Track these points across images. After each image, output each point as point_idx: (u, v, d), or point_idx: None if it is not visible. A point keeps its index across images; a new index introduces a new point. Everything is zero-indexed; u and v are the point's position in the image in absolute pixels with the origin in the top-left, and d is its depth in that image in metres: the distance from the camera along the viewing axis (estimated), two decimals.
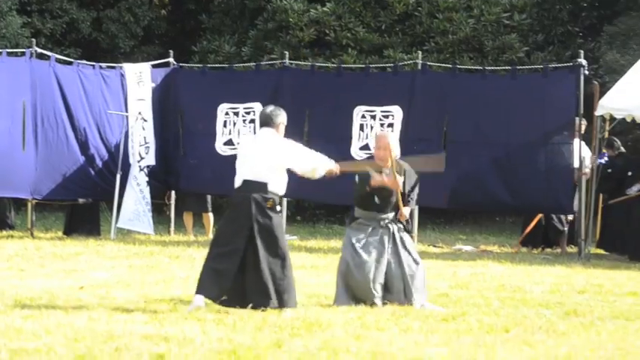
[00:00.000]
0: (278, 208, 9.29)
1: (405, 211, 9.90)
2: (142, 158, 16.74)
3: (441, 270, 12.99)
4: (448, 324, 8.77)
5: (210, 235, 17.04)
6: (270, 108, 9.55)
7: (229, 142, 17.01)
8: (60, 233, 16.98)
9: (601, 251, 15.80)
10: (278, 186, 9.27)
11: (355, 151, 16.09)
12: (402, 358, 7.20)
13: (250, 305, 9.02)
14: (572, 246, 16.02)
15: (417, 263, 9.82)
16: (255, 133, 16.87)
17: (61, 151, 16.46)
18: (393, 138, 10.25)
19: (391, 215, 9.89)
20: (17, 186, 16.05)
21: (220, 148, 16.96)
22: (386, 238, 9.79)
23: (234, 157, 16.54)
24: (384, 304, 9.59)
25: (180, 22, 26.50)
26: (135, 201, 16.58)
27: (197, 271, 11.19)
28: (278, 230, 9.25)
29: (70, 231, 16.74)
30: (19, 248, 14.28)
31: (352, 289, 9.69)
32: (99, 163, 16.85)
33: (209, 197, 17.46)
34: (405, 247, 9.83)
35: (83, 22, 23.83)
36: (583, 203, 15.32)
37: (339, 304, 9.60)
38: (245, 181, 9.26)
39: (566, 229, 16.10)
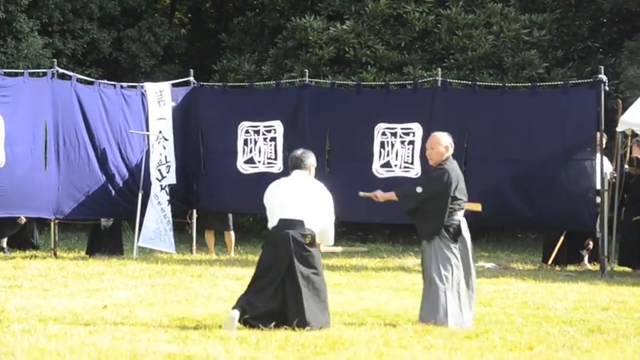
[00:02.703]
0: (315, 243, 9.45)
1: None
2: (163, 177, 16.78)
3: None
4: (471, 342, 8.75)
5: (232, 254, 17.08)
6: (299, 151, 9.82)
7: (250, 161, 17.04)
8: (83, 253, 17.03)
9: (625, 268, 15.71)
10: (314, 223, 9.42)
11: (376, 169, 16.09)
12: None
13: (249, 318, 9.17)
14: (595, 263, 15.95)
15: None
16: (275, 151, 16.91)
17: (83, 171, 16.52)
18: (443, 137, 10.16)
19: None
20: (40, 206, 16.11)
21: (241, 167, 16.99)
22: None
23: (255, 176, 16.89)
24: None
25: (200, 41, 26.65)
26: (156, 220, 16.61)
27: (219, 290, 11.24)
28: (317, 263, 9.44)
29: (92, 251, 16.79)
30: (43, 268, 14.32)
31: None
32: (120, 182, 16.89)
33: (230, 216, 17.48)
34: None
35: (104, 42, 23.96)
36: (605, 220, 15.25)
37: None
38: (281, 220, 9.42)
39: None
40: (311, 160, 9.76)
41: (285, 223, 9.39)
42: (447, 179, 9.78)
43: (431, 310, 9.61)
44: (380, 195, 10.32)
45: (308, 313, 9.16)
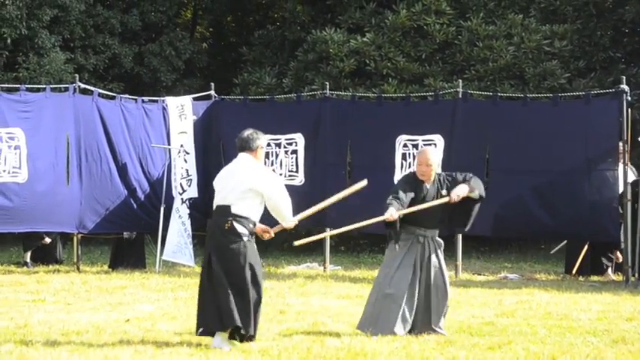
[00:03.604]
0: (242, 230, 8.91)
1: (459, 191, 9.73)
2: (184, 191, 16.82)
3: (487, 298, 12.92)
4: (494, 353, 8.72)
5: None
6: (247, 132, 9.25)
7: None
8: (106, 267, 17.08)
9: None
10: (243, 209, 8.93)
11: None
12: None
13: (200, 330, 8.85)
14: (619, 273, 15.87)
15: (446, 292, 9.76)
16: (296, 163, 16.94)
17: (105, 185, 16.59)
18: (435, 153, 10.10)
19: (430, 233, 9.83)
20: (63, 220, 16.20)
21: None
22: (419, 260, 9.72)
23: None
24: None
25: (221, 54, 26.71)
26: (178, 233, 16.65)
27: None
28: (240, 257, 8.87)
29: (115, 265, 16.84)
30: (66, 282, 14.38)
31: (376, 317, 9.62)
32: (142, 196, 16.96)
33: None
34: (439, 272, 9.76)
35: (125, 56, 24.05)
36: (629, 230, 15.18)
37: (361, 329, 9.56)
38: (216, 207, 9.12)
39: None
40: (259, 142, 9.19)
41: (216, 211, 9.06)
42: None
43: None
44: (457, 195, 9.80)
45: (225, 316, 8.72)
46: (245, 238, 8.91)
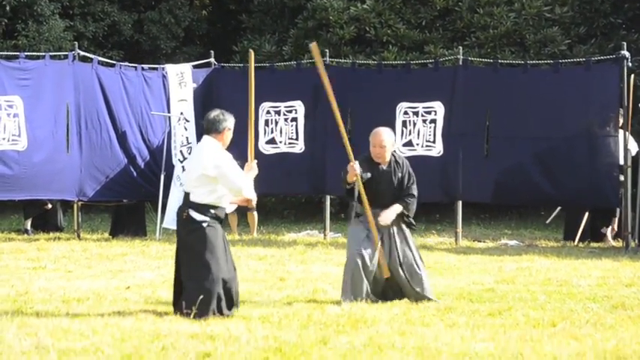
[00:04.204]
0: (200, 217, 8.78)
1: (385, 215, 9.64)
2: (184, 158, 16.80)
3: (487, 265, 12.94)
4: (494, 319, 8.74)
5: (255, 234, 17.10)
6: (214, 113, 9.02)
7: (272, 141, 17.05)
8: (106, 234, 17.10)
9: None
10: (201, 197, 8.80)
11: (399, 148, 16.05)
12: (448, 353, 7.18)
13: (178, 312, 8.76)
14: (619, 239, 15.89)
15: (418, 265, 9.73)
16: (296, 131, 16.92)
17: (105, 153, 16.59)
18: (389, 134, 10.00)
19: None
20: (63, 188, 16.21)
21: (263, 147, 16.99)
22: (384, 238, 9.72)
23: (276, 156, 16.92)
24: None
25: (220, 22, 26.60)
26: (178, 201, 16.56)
27: (242, 270, 11.26)
28: (203, 241, 8.76)
29: (116, 232, 16.86)
30: (66, 250, 14.40)
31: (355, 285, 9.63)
32: (142, 164, 16.96)
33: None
34: (407, 246, 9.75)
35: (125, 24, 23.96)
36: (629, 196, 15.18)
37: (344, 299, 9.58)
38: (184, 194, 9.07)
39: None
40: (226, 123, 8.97)
41: (184, 197, 9.01)
42: None
43: None
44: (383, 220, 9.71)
45: (184, 295, 8.72)
46: (204, 224, 8.80)
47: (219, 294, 8.71)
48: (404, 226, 9.82)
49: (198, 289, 8.63)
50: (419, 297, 9.58)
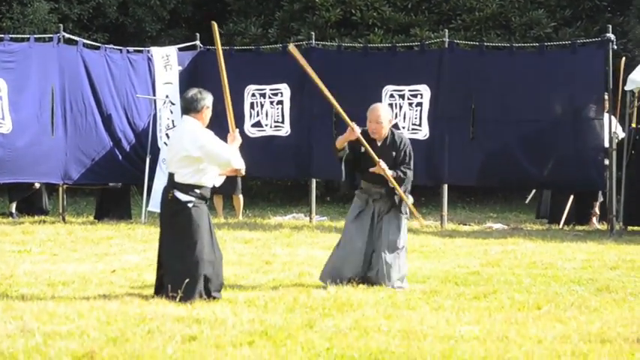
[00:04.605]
0: (186, 198, 8.75)
1: (383, 165, 9.62)
2: None
3: (472, 248, 12.97)
4: (480, 302, 8.77)
5: (241, 217, 17.09)
6: (192, 92, 8.95)
7: (257, 124, 17.02)
8: (91, 218, 17.06)
9: (634, 227, 15.67)
10: (186, 177, 8.76)
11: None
12: (434, 336, 7.20)
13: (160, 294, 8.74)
14: (604, 222, 15.93)
15: (392, 251, 9.69)
16: (282, 114, 16.90)
17: (90, 136, 16.54)
18: (386, 110, 10.06)
19: (384, 190, 9.78)
20: (48, 171, 16.16)
21: (248, 130, 16.95)
22: (374, 217, 9.73)
23: (262, 139, 16.90)
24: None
25: (206, 4, 26.46)
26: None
27: (228, 253, 11.26)
28: (185, 224, 8.73)
29: (101, 215, 16.82)
30: (52, 233, 14.37)
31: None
32: (127, 147, 16.91)
33: (239, 179, 17.44)
34: (388, 231, 9.74)
35: (110, 6, 23.86)
36: (614, 179, 15.22)
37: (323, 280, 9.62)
38: (168, 174, 9.02)
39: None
40: (204, 102, 8.88)
41: (168, 178, 8.97)
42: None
43: None
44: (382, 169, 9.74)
45: (166, 277, 8.72)
46: (190, 205, 8.77)
47: (206, 275, 8.70)
48: (399, 214, 9.82)
49: (184, 271, 8.60)
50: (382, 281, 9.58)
